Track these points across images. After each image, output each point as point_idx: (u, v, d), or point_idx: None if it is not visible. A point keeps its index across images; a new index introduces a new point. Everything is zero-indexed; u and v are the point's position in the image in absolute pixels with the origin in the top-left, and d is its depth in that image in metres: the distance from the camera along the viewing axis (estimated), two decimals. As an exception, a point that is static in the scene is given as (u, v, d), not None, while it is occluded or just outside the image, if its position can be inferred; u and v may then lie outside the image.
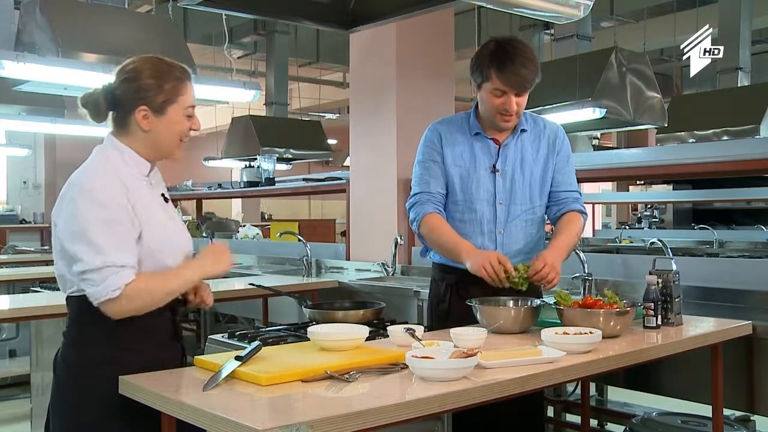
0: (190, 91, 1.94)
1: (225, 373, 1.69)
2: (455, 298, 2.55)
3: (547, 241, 2.64)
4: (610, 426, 3.92)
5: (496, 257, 2.36)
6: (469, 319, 2.32)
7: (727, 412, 2.74)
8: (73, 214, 1.78)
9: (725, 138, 5.23)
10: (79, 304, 1.83)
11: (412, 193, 2.63)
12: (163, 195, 2.00)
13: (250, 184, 6.41)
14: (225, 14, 4.72)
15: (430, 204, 2.56)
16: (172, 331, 1.98)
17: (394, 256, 4.44)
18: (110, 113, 1.92)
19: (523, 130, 2.58)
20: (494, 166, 2.55)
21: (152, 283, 1.82)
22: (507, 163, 2.56)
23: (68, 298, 1.88)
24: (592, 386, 3.82)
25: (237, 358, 1.76)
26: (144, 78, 1.87)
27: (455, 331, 2.07)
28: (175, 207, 2.28)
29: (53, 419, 1.90)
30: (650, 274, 2.37)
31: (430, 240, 2.58)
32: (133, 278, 1.76)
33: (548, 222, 2.70)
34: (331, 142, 9.06)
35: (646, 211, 9.39)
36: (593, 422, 3.75)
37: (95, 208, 1.77)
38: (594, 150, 8.77)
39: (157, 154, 1.95)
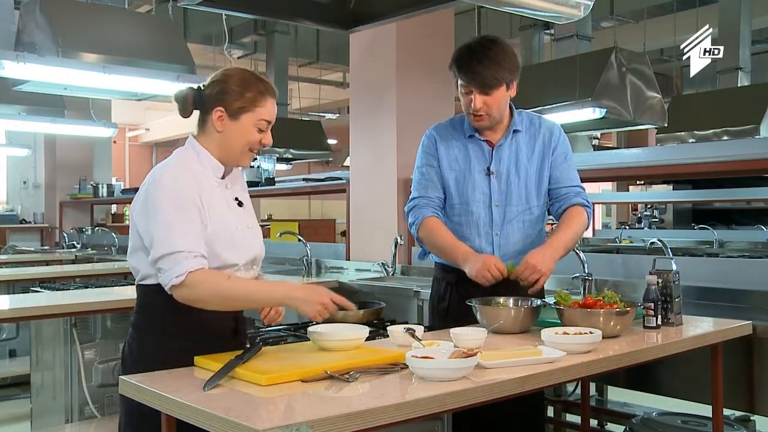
0: (270, 107, 2.01)
1: (225, 373, 1.69)
2: (455, 297, 2.56)
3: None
4: (610, 426, 3.91)
5: (493, 264, 2.35)
6: (468, 318, 2.32)
7: (727, 412, 2.74)
8: (148, 205, 1.90)
9: (725, 138, 5.23)
10: (145, 291, 1.97)
11: (410, 197, 2.64)
12: (237, 198, 2.07)
13: (250, 184, 6.37)
14: (225, 14, 4.70)
15: (429, 208, 2.57)
16: (234, 327, 2.05)
17: (394, 256, 4.44)
18: (195, 112, 2.03)
19: (516, 131, 2.57)
20: (488, 168, 2.55)
21: (220, 279, 1.89)
22: (501, 164, 2.55)
23: (137, 286, 2.00)
24: (592, 386, 3.81)
25: (237, 358, 1.77)
26: (230, 83, 1.98)
27: (455, 331, 2.07)
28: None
29: (121, 404, 1.97)
30: (650, 274, 2.37)
31: (428, 243, 2.59)
32: (198, 267, 1.84)
33: (549, 221, 2.69)
34: (331, 142, 9.06)
35: (646, 211, 9.40)
36: (593, 422, 3.75)
37: (168, 200, 1.88)
38: (594, 150, 8.79)
39: (227, 158, 2.03)
